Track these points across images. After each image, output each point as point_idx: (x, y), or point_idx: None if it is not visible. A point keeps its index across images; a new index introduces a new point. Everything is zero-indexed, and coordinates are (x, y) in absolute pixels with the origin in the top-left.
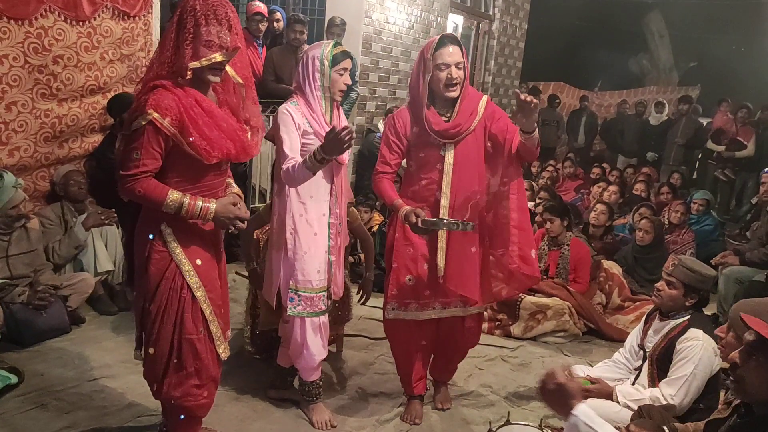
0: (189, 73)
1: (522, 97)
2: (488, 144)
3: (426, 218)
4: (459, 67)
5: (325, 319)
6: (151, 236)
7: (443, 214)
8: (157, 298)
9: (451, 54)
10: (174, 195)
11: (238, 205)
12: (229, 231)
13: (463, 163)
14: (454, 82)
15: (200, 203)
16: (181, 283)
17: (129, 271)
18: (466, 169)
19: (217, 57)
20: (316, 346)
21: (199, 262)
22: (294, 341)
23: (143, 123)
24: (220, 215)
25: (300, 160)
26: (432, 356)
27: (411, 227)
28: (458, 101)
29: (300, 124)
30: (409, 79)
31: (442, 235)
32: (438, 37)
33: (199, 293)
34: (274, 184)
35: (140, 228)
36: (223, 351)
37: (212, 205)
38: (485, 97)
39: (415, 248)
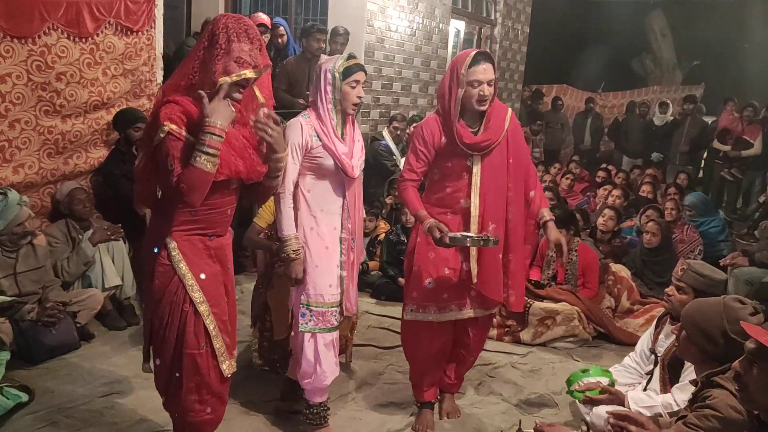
0: (217, 88)
1: None
2: (510, 161)
3: (451, 234)
4: (491, 84)
5: (336, 335)
6: (156, 249)
7: (473, 224)
8: (160, 312)
9: (485, 71)
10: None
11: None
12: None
13: (490, 174)
14: (486, 99)
15: (207, 134)
16: (183, 297)
17: (139, 285)
18: (493, 180)
19: (248, 73)
20: (328, 363)
21: (203, 276)
22: (305, 359)
23: (162, 135)
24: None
25: (290, 188)
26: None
27: (435, 241)
28: (486, 115)
29: (308, 139)
30: (437, 89)
31: None
32: (473, 53)
33: (203, 308)
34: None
35: (147, 242)
36: (227, 368)
37: (215, 120)
38: (510, 111)
39: (437, 252)
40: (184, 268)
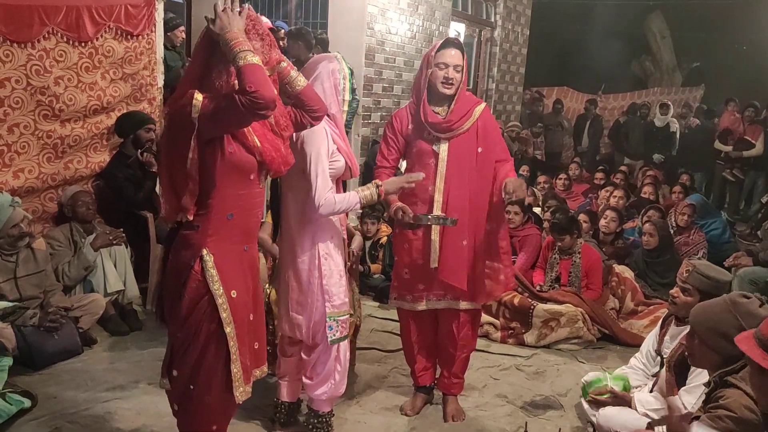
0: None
1: None
2: (479, 150)
3: (415, 214)
4: (457, 69)
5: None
6: (192, 262)
7: (436, 208)
8: (187, 326)
9: (452, 56)
10: None
11: None
12: None
13: (455, 160)
14: (450, 81)
15: (230, 41)
16: (211, 315)
17: (142, 288)
18: (458, 166)
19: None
20: (346, 371)
21: (234, 294)
22: (335, 370)
23: (197, 104)
24: None
25: (332, 186)
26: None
27: (397, 223)
28: (453, 101)
29: (330, 144)
30: (414, 79)
31: (435, 228)
32: (445, 39)
33: (228, 329)
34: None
35: (179, 251)
36: (241, 394)
37: (230, 29)
38: (484, 105)
39: (410, 243)
40: (217, 283)
